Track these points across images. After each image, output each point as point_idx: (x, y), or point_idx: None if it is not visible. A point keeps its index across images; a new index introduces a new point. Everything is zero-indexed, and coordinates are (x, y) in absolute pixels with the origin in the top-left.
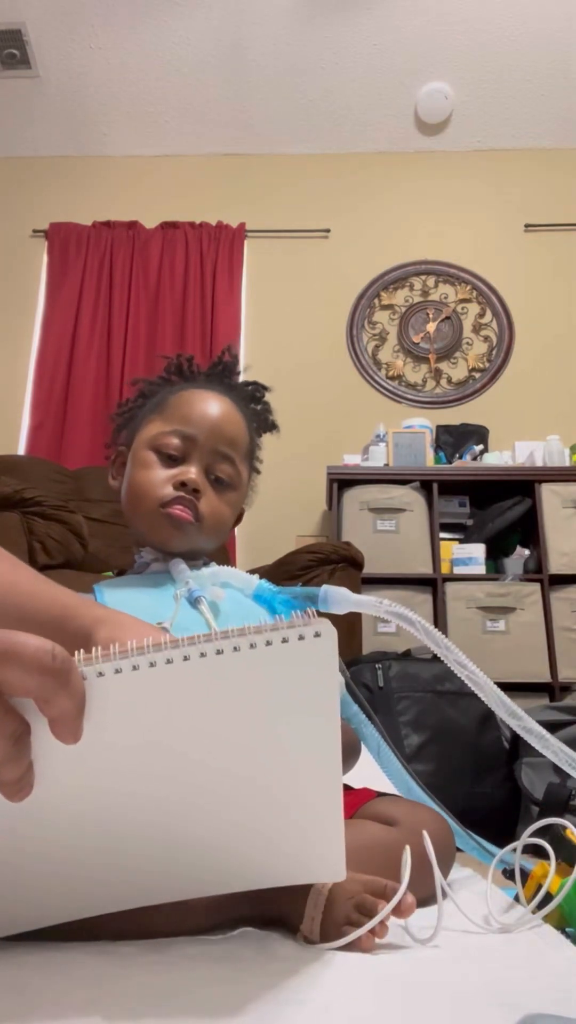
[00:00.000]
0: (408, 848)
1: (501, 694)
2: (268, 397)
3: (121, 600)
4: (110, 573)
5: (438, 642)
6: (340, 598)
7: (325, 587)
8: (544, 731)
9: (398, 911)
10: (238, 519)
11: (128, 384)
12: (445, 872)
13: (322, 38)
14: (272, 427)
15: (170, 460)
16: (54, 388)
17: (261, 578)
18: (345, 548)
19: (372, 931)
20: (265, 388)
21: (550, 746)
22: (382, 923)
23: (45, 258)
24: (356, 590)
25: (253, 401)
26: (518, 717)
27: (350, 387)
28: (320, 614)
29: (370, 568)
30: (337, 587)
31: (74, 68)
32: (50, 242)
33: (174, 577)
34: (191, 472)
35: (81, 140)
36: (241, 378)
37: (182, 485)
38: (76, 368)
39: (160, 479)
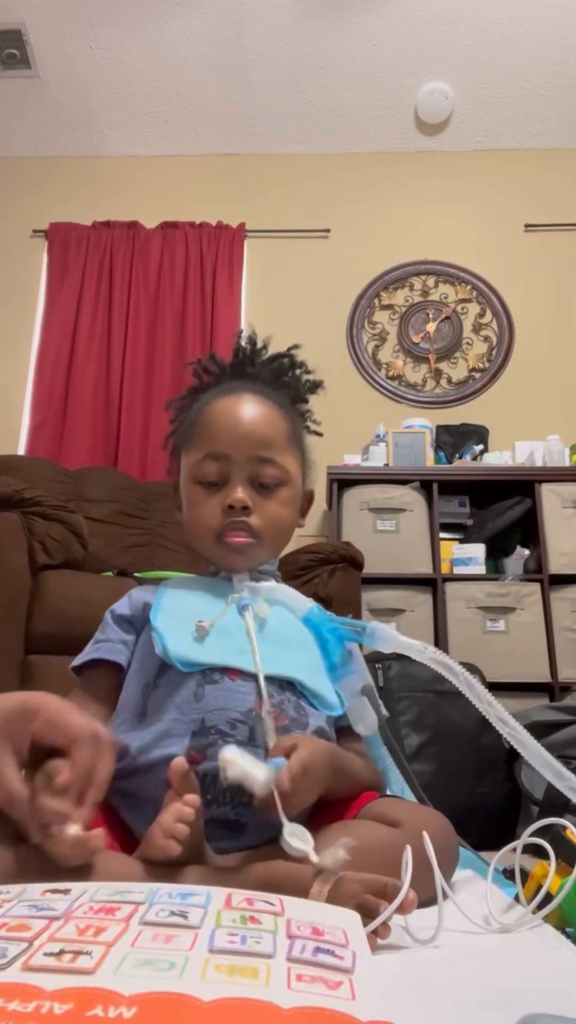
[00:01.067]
0: (409, 848)
1: (546, 754)
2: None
3: (176, 601)
4: (110, 573)
5: (481, 697)
6: (386, 637)
7: (374, 625)
8: None
9: (400, 907)
10: (309, 502)
11: (128, 384)
12: (449, 874)
13: (322, 38)
14: (313, 388)
15: (214, 486)
16: (54, 388)
17: (315, 603)
18: (345, 548)
19: (375, 932)
20: (289, 355)
21: None
22: (384, 923)
23: (45, 258)
24: (356, 590)
25: (281, 376)
26: (563, 777)
27: (350, 387)
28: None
29: (370, 568)
30: (385, 626)
31: (74, 68)
32: (50, 242)
33: (235, 585)
34: (234, 493)
35: (81, 140)
36: (267, 355)
37: (230, 509)
38: (76, 368)
39: (209, 510)
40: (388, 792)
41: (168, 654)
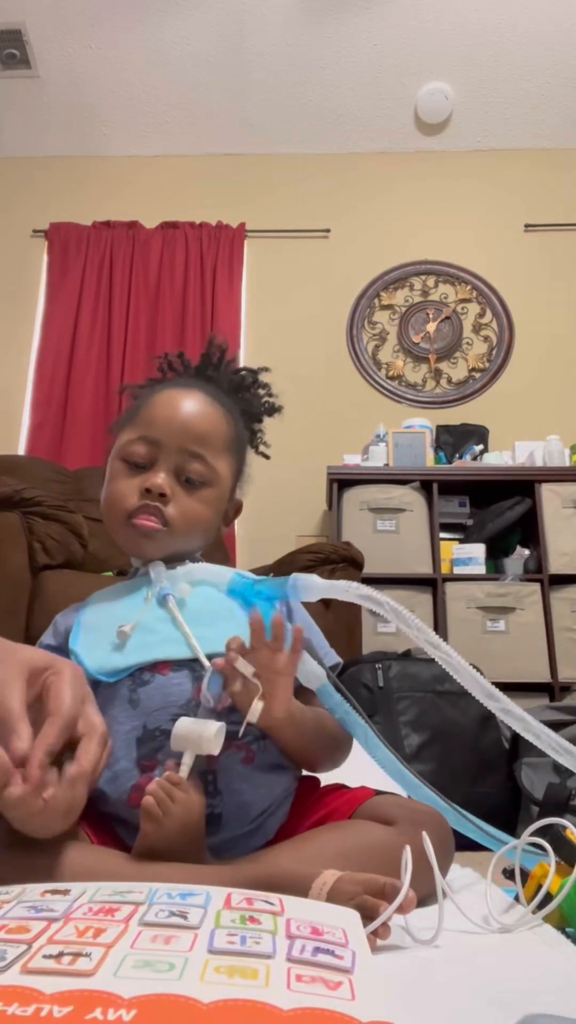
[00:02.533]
0: (408, 848)
1: (476, 675)
2: (269, 379)
3: (95, 616)
4: (110, 573)
5: (408, 623)
6: (309, 585)
7: (294, 576)
8: (525, 713)
9: (399, 907)
10: (236, 511)
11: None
12: (444, 870)
13: (322, 38)
14: (269, 411)
15: (138, 468)
16: (54, 388)
17: (236, 571)
18: (345, 548)
19: (374, 932)
20: (255, 372)
21: (531, 728)
22: (384, 924)
23: (45, 258)
24: None
25: (240, 389)
26: (495, 699)
27: (350, 387)
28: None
29: (370, 568)
30: (306, 575)
31: (74, 68)
32: (50, 242)
33: (151, 578)
34: (155, 478)
35: (81, 140)
36: (239, 365)
37: (147, 492)
38: (76, 368)
39: (126, 489)
40: (383, 788)
41: (88, 670)
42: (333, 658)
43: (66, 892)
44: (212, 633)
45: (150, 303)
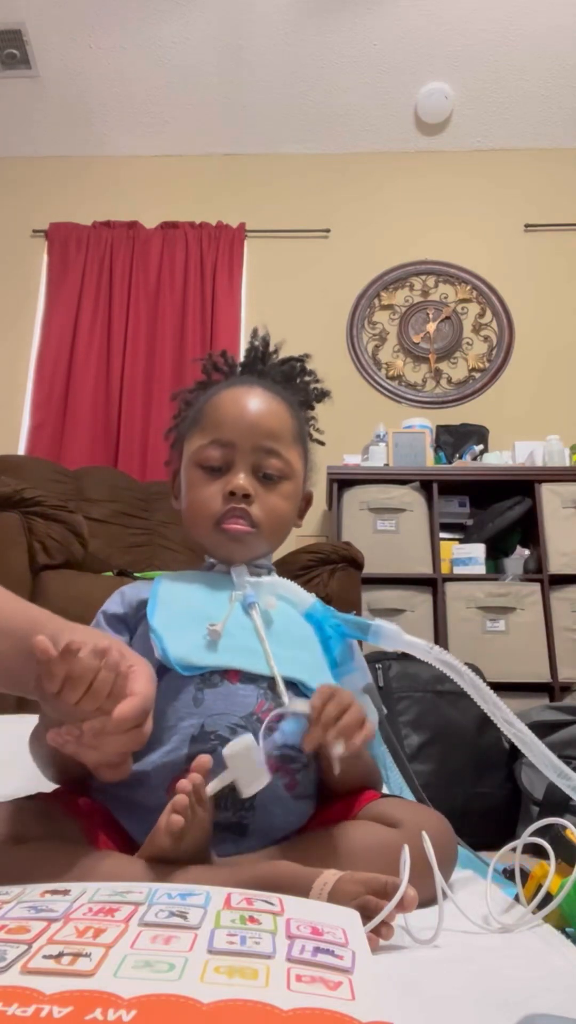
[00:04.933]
0: (407, 847)
1: (551, 755)
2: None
3: (176, 593)
4: (110, 573)
5: (486, 698)
6: (391, 635)
7: (378, 623)
8: None
9: (400, 905)
10: (307, 503)
11: (128, 384)
12: (448, 874)
13: (322, 38)
14: (320, 396)
15: (216, 472)
16: (54, 388)
17: (317, 599)
18: (345, 548)
19: (378, 932)
20: (300, 360)
21: None
22: (387, 924)
23: (45, 258)
24: (356, 590)
25: (291, 379)
26: (567, 778)
27: (350, 387)
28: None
29: (370, 568)
30: (390, 624)
31: (74, 68)
32: (50, 242)
33: (234, 581)
34: (237, 480)
35: (81, 140)
36: (279, 357)
37: (231, 495)
38: (76, 368)
39: (209, 495)
40: (386, 791)
41: (168, 658)
42: (367, 678)
43: (66, 892)
44: (288, 655)
45: (150, 303)
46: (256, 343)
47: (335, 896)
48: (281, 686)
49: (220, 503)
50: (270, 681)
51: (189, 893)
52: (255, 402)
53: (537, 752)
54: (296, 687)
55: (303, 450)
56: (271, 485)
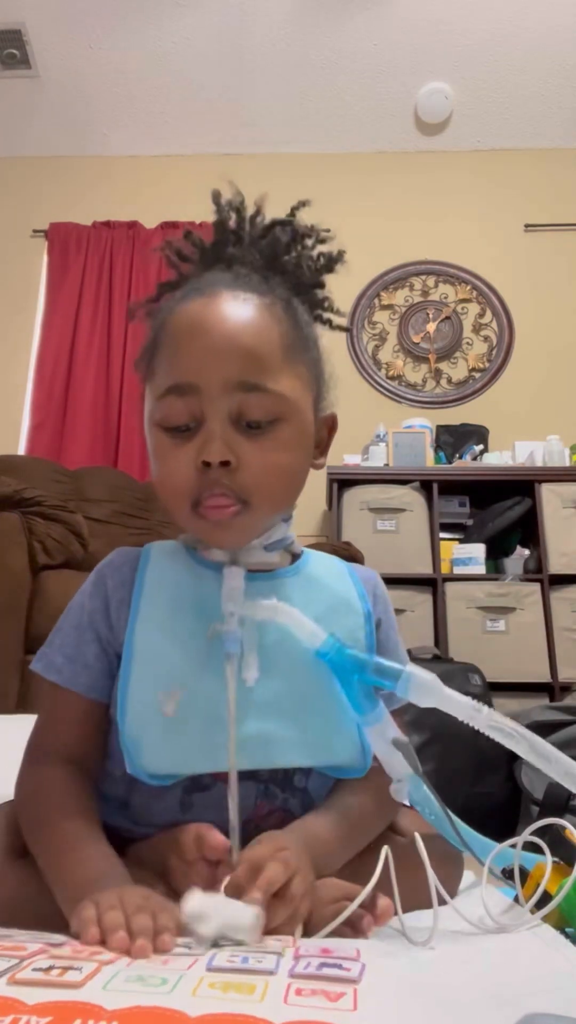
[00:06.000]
0: (387, 847)
1: None
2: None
3: (153, 631)
4: None
5: (549, 757)
6: (426, 689)
7: (410, 671)
8: None
9: (376, 917)
10: (331, 429)
11: (128, 384)
12: (455, 881)
13: (322, 38)
14: (328, 266)
15: (184, 432)
16: (54, 388)
17: (330, 633)
18: (345, 548)
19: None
20: (287, 222)
21: None
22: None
23: (45, 258)
24: None
25: (276, 256)
26: None
27: (350, 387)
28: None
29: (370, 568)
30: (425, 674)
31: (74, 68)
32: (50, 242)
33: (222, 595)
34: (210, 444)
35: (81, 140)
36: (259, 225)
37: (205, 466)
38: (76, 368)
39: (177, 469)
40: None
41: (137, 771)
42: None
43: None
44: (285, 730)
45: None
46: (224, 214)
47: (315, 901)
48: (232, 795)
49: (192, 477)
50: (271, 774)
51: None
52: (218, 318)
53: None
54: (294, 777)
55: (306, 363)
56: (260, 435)
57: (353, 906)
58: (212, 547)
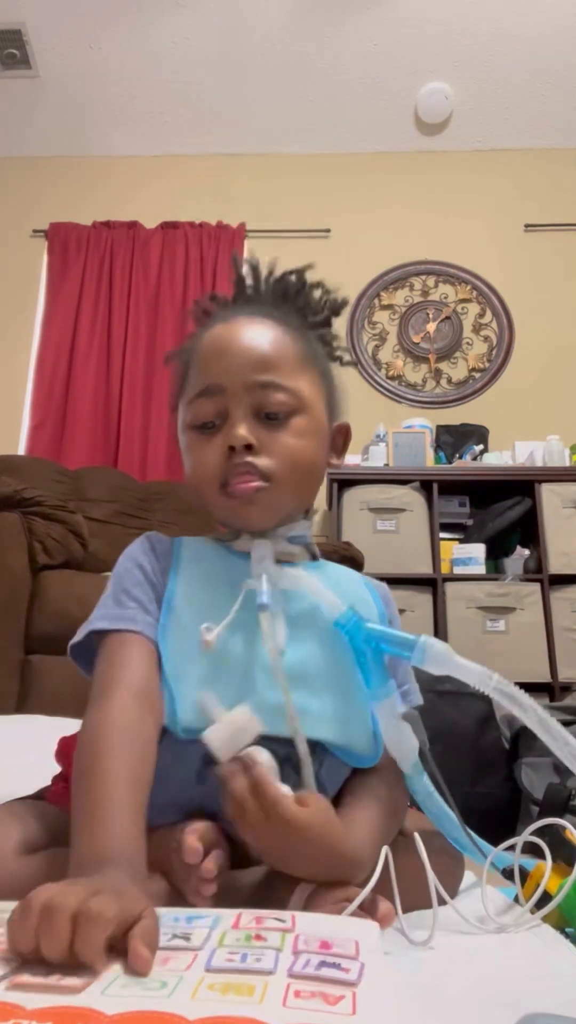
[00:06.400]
0: (387, 848)
1: None
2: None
3: (190, 603)
4: (109, 573)
5: (555, 734)
6: (440, 656)
7: (425, 640)
8: None
9: (380, 919)
10: (346, 438)
11: (128, 384)
12: (456, 882)
13: (322, 38)
14: (334, 309)
15: (212, 428)
16: (54, 388)
17: (350, 606)
18: (345, 548)
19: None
20: (296, 272)
21: None
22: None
23: (45, 258)
24: None
25: (286, 297)
26: None
27: (350, 387)
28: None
29: (370, 568)
30: (439, 643)
31: (74, 68)
32: (50, 242)
33: (252, 566)
34: (234, 430)
35: (81, 140)
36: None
37: (231, 451)
38: (76, 368)
39: (208, 456)
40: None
41: (175, 720)
42: (417, 699)
43: None
44: (311, 701)
45: (150, 303)
46: (243, 273)
47: (313, 901)
48: (309, 775)
49: (221, 462)
50: (288, 753)
51: (196, 916)
52: (239, 331)
53: None
54: (321, 748)
55: (318, 373)
56: (278, 425)
57: (352, 907)
58: (240, 528)
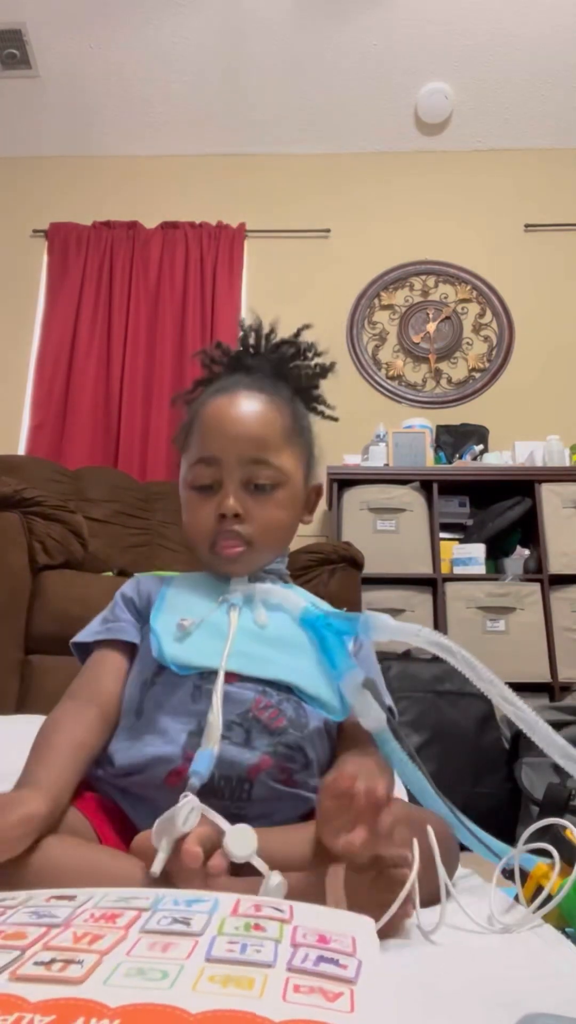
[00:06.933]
0: (416, 840)
1: (553, 733)
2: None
3: (176, 601)
4: (110, 573)
5: (482, 676)
6: (381, 625)
7: (367, 615)
8: None
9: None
10: (317, 496)
11: (128, 384)
12: (450, 872)
13: (322, 38)
14: (322, 374)
15: (208, 490)
16: (54, 388)
17: (309, 602)
18: (345, 548)
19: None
20: (291, 342)
21: None
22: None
23: (45, 258)
24: (356, 590)
25: (281, 368)
26: (570, 758)
27: (350, 387)
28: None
29: (370, 568)
30: (379, 614)
31: (74, 68)
32: (50, 242)
33: (230, 586)
34: (226, 501)
35: (81, 140)
36: (271, 342)
37: (222, 517)
38: (76, 368)
39: (202, 518)
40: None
41: (164, 656)
42: (387, 700)
43: (72, 898)
44: (283, 660)
45: (150, 303)
46: (246, 334)
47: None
48: (220, 682)
49: (212, 525)
50: (268, 683)
51: (196, 899)
52: (236, 412)
53: (540, 732)
54: (292, 691)
55: (300, 447)
56: (264, 496)
57: (399, 900)
58: (225, 575)
